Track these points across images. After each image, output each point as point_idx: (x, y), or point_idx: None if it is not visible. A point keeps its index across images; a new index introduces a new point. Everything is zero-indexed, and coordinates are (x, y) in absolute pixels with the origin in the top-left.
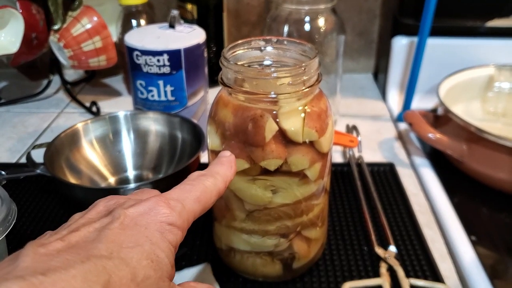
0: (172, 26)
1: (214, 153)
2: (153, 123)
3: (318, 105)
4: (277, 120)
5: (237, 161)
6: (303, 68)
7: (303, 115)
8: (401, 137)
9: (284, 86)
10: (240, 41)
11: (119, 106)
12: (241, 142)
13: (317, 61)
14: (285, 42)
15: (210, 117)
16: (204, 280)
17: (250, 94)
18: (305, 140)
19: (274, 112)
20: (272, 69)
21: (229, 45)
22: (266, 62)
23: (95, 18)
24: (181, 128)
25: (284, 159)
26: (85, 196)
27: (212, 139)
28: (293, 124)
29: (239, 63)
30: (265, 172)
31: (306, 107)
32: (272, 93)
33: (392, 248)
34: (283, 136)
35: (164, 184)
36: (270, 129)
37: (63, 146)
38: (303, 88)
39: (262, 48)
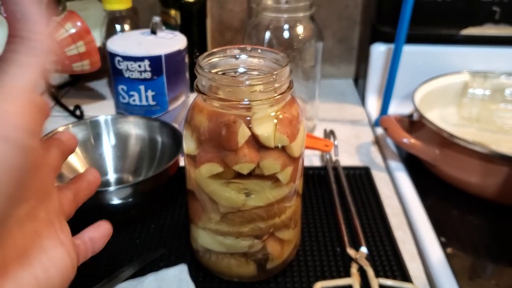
0: (153, 32)
1: (190, 157)
2: (134, 127)
3: (289, 112)
4: (250, 126)
5: (211, 165)
6: (274, 76)
7: (275, 121)
8: (378, 141)
9: (257, 93)
10: (215, 49)
11: (103, 110)
12: (215, 146)
13: (288, 69)
14: (259, 51)
15: (186, 122)
16: (180, 281)
17: (224, 101)
18: (277, 145)
19: (248, 118)
20: (245, 77)
21: (204, 53)
22: (241, 70)
23: (79, 23)
24: (161, 132)
25: (256, 163)
26: None
27: (187, 143)
28: (265, 130)
29: (214, 70)
30: (239, 175)
31: (278, 113)
32: (246, 100)
33: (364, 249)
34: (255, 141)
35: (144, 187)
36: (243, 134)
37: None
38: (275, 95)
39: (237, 56)
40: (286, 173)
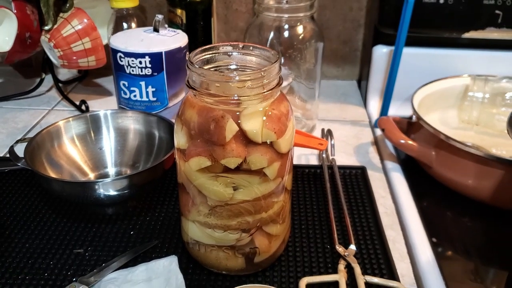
0: (156, 30)
1: (180, 151)
2: (132, 122)
3: (278, 108)
4: (239, 121)
5: (200, 158)
6: (262, 73)
7: (263, 117)
8: (377, 143)
9: (245, 89)
10: (207, 46)
11: (109, 106)
12: (204, 141)
13: (277, 66)
14: (251, 48)
15: (177, 117)
16: (170, 272)
17: (214, 97)
18: (264, 140)
19: (237, 113)
20: (235, 73)
21: (196, 49)
22: (232, 67)
23: (85, 20)
24: (158, 127)
25: (243, 158)
26: (62, 189)
27: (178, 137)
28: (253, 126)
29: (206, 67)
30: (227, 170)
31: (267, 110)
32: (235, 95)
33: (352, 247)
34: (243, 136)
35: (140, 179)
36: (231, 129)
37: (44, 142)
38: (263, 91)
39: (229, 53)
40: (273, 168)
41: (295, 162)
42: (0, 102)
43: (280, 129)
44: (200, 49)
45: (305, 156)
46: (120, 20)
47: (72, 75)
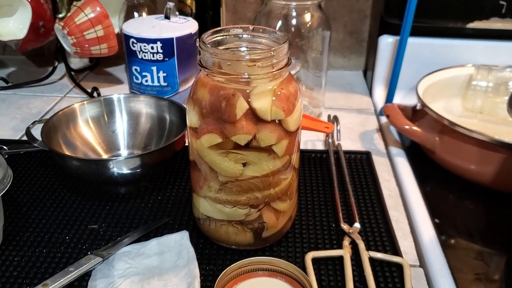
0: (167, 17)
1: (192, 129)
2: (144, 106)
3: (287, 88)
4: (249, 99)
5: (211, 135)
6: (272, 52)
7: (272, 96)
8: (381, 129)
9: (255, 68)
10: (219, 28)
11: (119, 93)
12: (215, 119)
13: (286, 46)
14: (261, 30)
15: (189, 97)
16: (181, 246)
17: (225, 75)
18: (273, 118)
19: (248, 91)
20: (245, 52)
21: (209, 31)
22: (243, 48)
23: (98, 8)
24: (169, 110)
25: (253, 135)
26: (78, 167)
27: (190, 116)
28: (262, 104)
29: (218, 48)
30: (237, 146)
31: (276, 89)
32: (245, 74)
33: (357, 225)
34: (253, 114)
35: (151, 158)
36: (241, 107)
37: (61, 123)
38: (273, 70)
39: (240, 35)
40: (281, 146)
41: (302, 147)
42: (14, 89)
43: (289, 108)
44: (212, 30)
45: (312, 142)
46: (131, 9)
47: (84, 64)
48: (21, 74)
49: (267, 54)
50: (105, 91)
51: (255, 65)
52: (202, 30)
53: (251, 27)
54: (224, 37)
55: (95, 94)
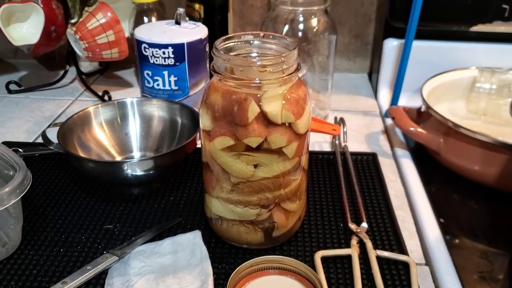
0: (177, 22)
1: (205, 132)
2: (157, 109)
3: (296, 92)
4: (260, 103)
5: (224, 138)
6: (282, 58)
7: (283, 100)
8: (387, 131)
9: (266, 73)
10: (231, 35)
11: (129, 96)
12: (228, 122)
13: (296, 52)
14: (271, 37)
15: (202, 101)
16: (194, 245)
17: (237, 80)
18: (283, 122)
19: (259, 96)
20: (257, 58)
21: (221, 38)
22: (254, 54)
23: (109, 14)
24: (181, 114)
25: (264, 138)
26: (93, 169)
27: (203, 120)
28: (273, 108)
29: (230, 54)
30: (249, 148)
31: (286, 93)
32: (257, 79)
33: (364, 224)
34: (264, 118)
35: (164, 160)
36: (253, 110)
37: (76, 126)
38: (283, 75)
39: (251, 41)
40: (291, 148)
41: (309, 149)
42: (26, 93)
43: (298, 111)
44: (224, 37)
45: (319, 144)
46: (140, 14)
47: (94, 68)
48: (33, 77)
49: (277, 60)
50: (115, 94)
51: (266, 70)
52: (210, 34)
53: (261, 34)
54: (235, 43)
55: (105, 97)
